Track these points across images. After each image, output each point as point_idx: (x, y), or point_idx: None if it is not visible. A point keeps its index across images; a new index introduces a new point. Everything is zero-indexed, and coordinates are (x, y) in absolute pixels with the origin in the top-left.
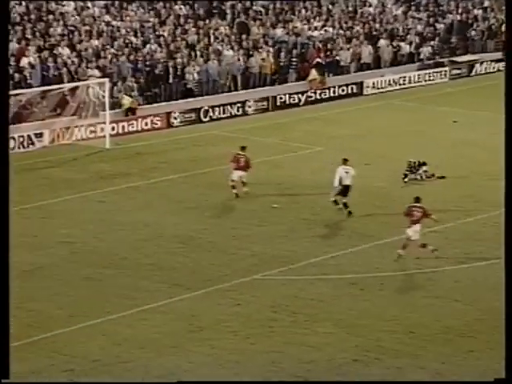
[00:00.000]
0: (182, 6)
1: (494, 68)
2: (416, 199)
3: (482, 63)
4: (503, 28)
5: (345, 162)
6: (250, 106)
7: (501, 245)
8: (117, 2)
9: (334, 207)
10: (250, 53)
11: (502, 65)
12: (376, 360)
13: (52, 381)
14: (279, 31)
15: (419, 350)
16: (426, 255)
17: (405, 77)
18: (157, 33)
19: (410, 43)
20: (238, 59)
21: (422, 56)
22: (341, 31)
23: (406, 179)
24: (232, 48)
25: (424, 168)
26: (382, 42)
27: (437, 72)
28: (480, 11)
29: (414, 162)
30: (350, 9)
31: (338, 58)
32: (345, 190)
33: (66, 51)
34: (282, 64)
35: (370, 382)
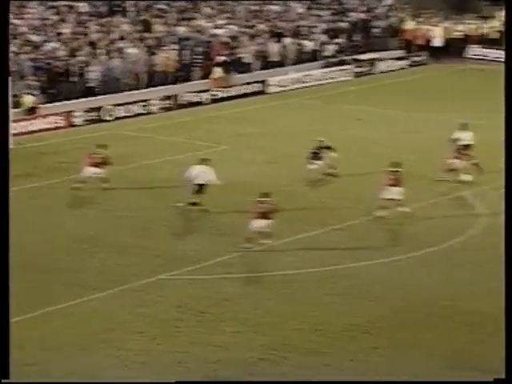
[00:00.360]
0: (83, 4)
1: (395, 66)
2: (264, 194)
3: (383, 61)
4: (404, 25)
5: (203, 161)
6: (153, 105)
7: (402, 242)
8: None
9: (194, 208)
10: (154, 51)
11: (404, 63)
12: (283, 358)
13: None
14: (182, 29)
15: (326, 348)
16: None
17: (308, 75)
18: (57, 30)
19: (313, 41)
20: (141, 57)
21: (326, 54)
22: (244, 29)
23: (311, 166)
24: (135, 46)
25: (326, 152)
26: (287, 40)
27: (340, 70)
28: (382, 9)
29: (323, 144)
30: (255, 7)
31: (241, 55)
32: (199, 190)
33: None
34: (185, 62)
35: (278, 382)
